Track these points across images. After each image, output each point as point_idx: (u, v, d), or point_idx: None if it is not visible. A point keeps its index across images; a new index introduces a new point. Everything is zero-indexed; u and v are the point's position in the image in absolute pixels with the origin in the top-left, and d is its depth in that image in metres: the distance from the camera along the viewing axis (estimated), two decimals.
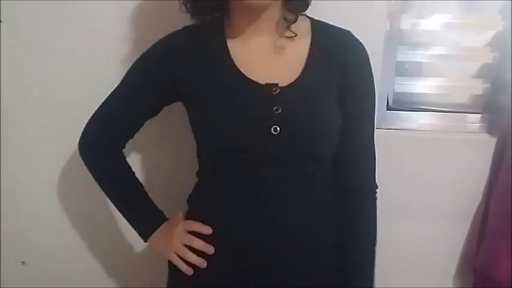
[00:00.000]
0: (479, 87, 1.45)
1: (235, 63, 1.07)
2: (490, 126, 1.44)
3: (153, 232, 1.18)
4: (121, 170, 1.21)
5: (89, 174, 1.42)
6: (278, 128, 1.02)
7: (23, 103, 1.42)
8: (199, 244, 1.10)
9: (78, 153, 1.39)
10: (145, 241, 1.19)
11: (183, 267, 1.11)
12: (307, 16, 1.14)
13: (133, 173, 1.23)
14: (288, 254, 1.08)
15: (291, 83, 1.05)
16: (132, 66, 1.15)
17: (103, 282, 1.58)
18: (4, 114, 1.42)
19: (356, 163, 1.13)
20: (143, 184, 1.23)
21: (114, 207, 1.44)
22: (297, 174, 1.07)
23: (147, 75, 1.13)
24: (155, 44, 1.14)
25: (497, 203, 1.37)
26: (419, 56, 1.43)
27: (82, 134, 1.19)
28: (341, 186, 1.14)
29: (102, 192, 1.43)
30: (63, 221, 1.52)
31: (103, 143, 1.18)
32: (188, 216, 1.16)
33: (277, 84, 1.04)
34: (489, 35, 1.43)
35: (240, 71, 1.06)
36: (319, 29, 1.11)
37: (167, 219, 1.20)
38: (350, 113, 1.09)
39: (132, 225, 1.21)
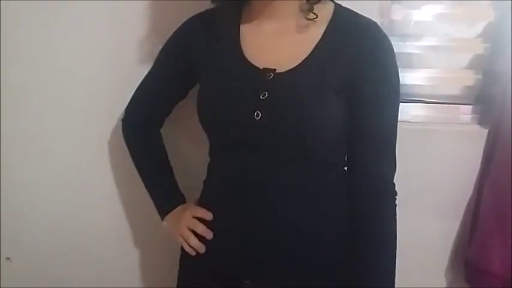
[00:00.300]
0: (470, 78, 1.44)
1: (242, 46, 1.07)
2: (482, 118, 1.44)
3: (170, 211, 1.25)
4: (158, 148, 1.30)
5: (75, 171, 1.45)
6: (260, 114, 1.01)
7: (24, 98, 1.40)
8: (200, 229, 1.14)
9: (66, 150, 1.42)
10: (162, 219, 1.27)
11: (187, 248, 1.17)
12: (332, 1, 1.09)
13: (167, 153, 1.30)
14: (268, 242, 1.08)
15: (289, 70, 1.03)
16: (160, 49, 1.22)
17: (91, 282, 1.56)
18: (4, 111, 1.40)
19: (370, 165, 1.09)
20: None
21: (101, 203, 1.48)
22: (282, 163, 1.05)
23: (170, 58, 1.20)
24: (179, 27, 1.18)
25: (489, 194, 1.37)
26: (411, 47, 1.41)
27: (124, 115, 1.28)
28: (356, 188, 1.10)
29: (88, 189, 1.44)
30: (49, 218, 1.50)
31: (143, 122, 1.28)
32: (201, 195, 1.21)
33: (274, 70, 1.03)
34: (481, 25, 1.41)
35: (243, 54, 1.06)
36: (340, 16, 1.06)
37: (185, 203, 1.26)
38: (362, 109, 1.04)
39: (155, 202, 1.29)
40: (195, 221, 1.15)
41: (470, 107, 1.45)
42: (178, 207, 1.25)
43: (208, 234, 1.13)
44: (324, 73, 1.03)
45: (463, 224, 1.49)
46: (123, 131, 1.30)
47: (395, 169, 1.10)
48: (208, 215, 1.14)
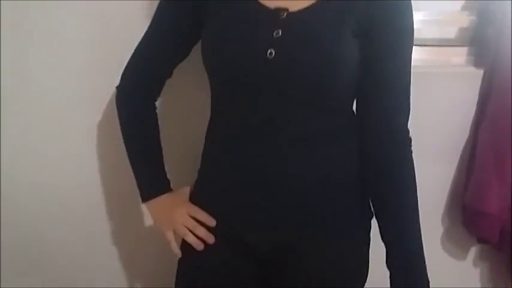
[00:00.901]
0: (465, 19, 1.42)
1: None
2: (477, 59, 1.43)
3: (154, 198, 1.18)
4: (151, 122, 1.20)
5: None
6: (273, 52, 0.97)
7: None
8: (202, 233, 1.11)
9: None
10: (143, 202, 1.20)
11: (175, 248, 1.15)
12: None
13: (159, 132, 1.21)
14: (277, 190, 1.05)
15: (302, 8, 0.99)
16: (157, 6, 1.12)
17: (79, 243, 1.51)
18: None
19: (389, 116, 1.05)
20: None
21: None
22: (292, 107, 1.01)
23: (172, 9, 1.11)
24: None
25: (486, 135, 1.36)
26: None
27: (120, 80, 1.18)
28: (375, 140, 1.06)
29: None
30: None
31: (141, 86, 1.17)
32: (201, 159, 1.17)
33: (286, 9, 0.99)
34: None
35: None
36: None
37: (171, 191, 1.19)
38: (376, 54, 1.01)
39: (138, 182, 1.20)
40: (195, 223, 1.11)
41: (465, 48, 1.44)
42: (164, 196, 1.18)
43: (210, 239, 1.10)
44: (341, 13, 0.99)
45: (459, 168, 1.48)
46: (116, 99, 1.19)
47: (409, 115, 1.08)
48: (210, 221, 1.11)
